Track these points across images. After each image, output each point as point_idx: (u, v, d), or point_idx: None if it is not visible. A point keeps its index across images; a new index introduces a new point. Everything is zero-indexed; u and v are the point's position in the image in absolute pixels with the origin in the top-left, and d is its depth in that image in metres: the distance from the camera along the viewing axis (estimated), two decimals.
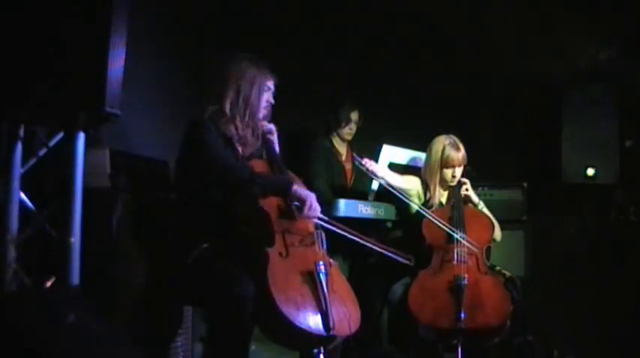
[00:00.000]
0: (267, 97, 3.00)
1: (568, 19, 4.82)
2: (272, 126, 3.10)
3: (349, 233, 2.99)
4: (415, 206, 3.66)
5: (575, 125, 4.75)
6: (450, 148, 3.73)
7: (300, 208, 2.83)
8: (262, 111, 3.00)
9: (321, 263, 2.76)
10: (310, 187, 4.25)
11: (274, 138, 3.10)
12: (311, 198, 2.84)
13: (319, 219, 2.89)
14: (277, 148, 3.12)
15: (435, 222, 3.55)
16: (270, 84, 3.00)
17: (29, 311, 2.25)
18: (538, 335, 3.97)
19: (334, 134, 4.54)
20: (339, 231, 2.97)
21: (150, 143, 3.88)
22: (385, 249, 3.04)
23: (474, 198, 3.81)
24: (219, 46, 4.43)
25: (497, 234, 3.81)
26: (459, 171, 3.76)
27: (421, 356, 3.55)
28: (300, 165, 4.40)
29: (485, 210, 3.83)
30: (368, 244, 3.03)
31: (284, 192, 2.85)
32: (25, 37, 2.52)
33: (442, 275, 3.47)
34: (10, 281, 2.76)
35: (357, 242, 3.01)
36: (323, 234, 2.97)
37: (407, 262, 3.03)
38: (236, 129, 2.92)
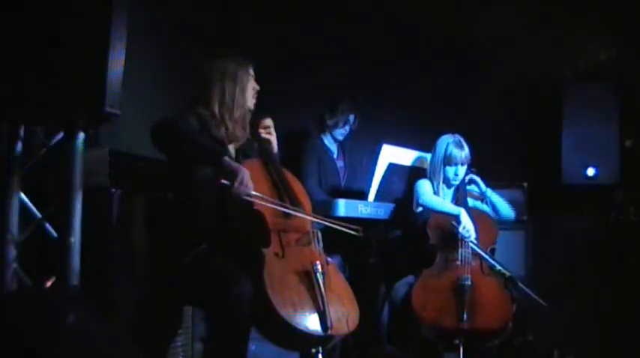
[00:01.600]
0: (252, 85, 2.99)
1: (568, 19, 4.82)
2: (269, 122, 3.08)
3: (286, 207, 2.87)
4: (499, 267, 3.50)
5: (575, 125, 4.74)
6: (454, 146, 3.74)
7: (231, 184, 2.67)
8: (251, 101, 2.99)
9: (317, 262, 2.74)
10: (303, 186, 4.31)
11: (273, 138, 3.09)
12: (243, 173, 2.68)
13: (250, 196, 2.73)
14: (275, 146, 3.09)
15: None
16: (250, 70, 2.98)
17: (29, 311, 2.25)
18: (538, 335, 3.97)
19: (327, 133, 4.57)
20: (277, 207, 2.84)
21: (150, 143, 3.87)
22: (332, 223, 2.93)
23: (481, 185, 3.80)
24: (219, 46, 4.43)
25: (510, 213, 3.85)
26: (461, 169, 3.75)
27: (421, 355, 3.55)
28: (293, 164, 4.42)
29: (494, 196, 3.82)
30: (312, 218, 2.94)
31: (214, 159, 2.71)
32: (25, 37, 2.52)
33: (446, 275, 3.47)
34: (10, 281, 2.76)
35: (307, 218, 2.92)
36: (319, 233, 2.96)
37: (355, 233, 2.92)
38: (226, 129, 2.91)
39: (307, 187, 4.22)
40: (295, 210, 2.88)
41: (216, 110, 2.90)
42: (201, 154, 2.75)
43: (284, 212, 2.85)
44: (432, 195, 3.72)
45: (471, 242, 3.51)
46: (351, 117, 4.52)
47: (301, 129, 4.81)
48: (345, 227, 2.91)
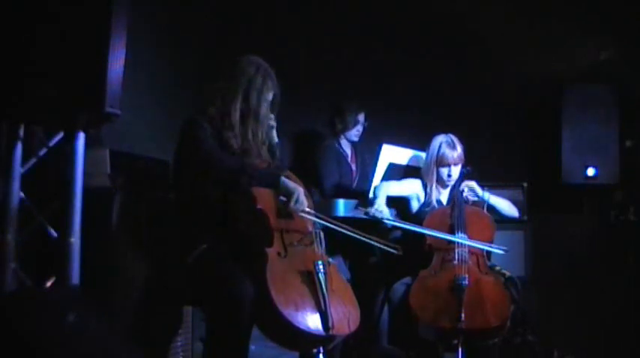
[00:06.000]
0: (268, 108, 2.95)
1: (568, 19, 4.82)
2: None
3: (338, 226, 2.97)
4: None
5: (575, 125, 4.76)
6: (446, 146, 3.73)
7: (287, 202, 2.78)
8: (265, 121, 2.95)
9: (319, 262, 2.75)
10: (321, 186, 4.34)
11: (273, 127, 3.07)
12: (299, 191, 2.78)
13: (306, 212, 2.85)
14: (275, 137, 3.05)
15: (436, 235, 3.58)
16: (270, 96, 2.94)
17: (29, 311, 2.25)
18: (538, 335, 3.97)
19: (341, 136, 4.62)
20: (330, 224, 2.95)
21: (150, 143, 3.88)
22: (375, 240, 3.01)
23: (478, 191, 3.80)
24: (220, 46, 4.44)
25: (513, 211, 3.88)
26: (454, 170, 3.75)
27: (421, 355, 3.55)
28: (309, 166, 4.44)
29: (493, 198, 3.82)
30: (358, 236, 3.00)
31: (273, 184, 2.80)
32: (25, 37, 2.53)
33: (443, 275, 3.46)
34: (10, 281, 2.76)
35: (349, 235, 2.99)
36: (322, 234, 2.96)
37: (395, 251, 3.02)
38: (242, 141, 2.86)
39: (326, 188, 4.29)
40: (351, 230, 2.98)
41: (236, 121, 2.84)
42: (261, 180, 2.79)
43: (288, 213, 2.85)
44: (390, 184, 3.84)
45: (388, 219, 3.62)
46: (361, 117, 4.59)
47: (309, 132, 4.84)
48: (385, 245, 3.05)
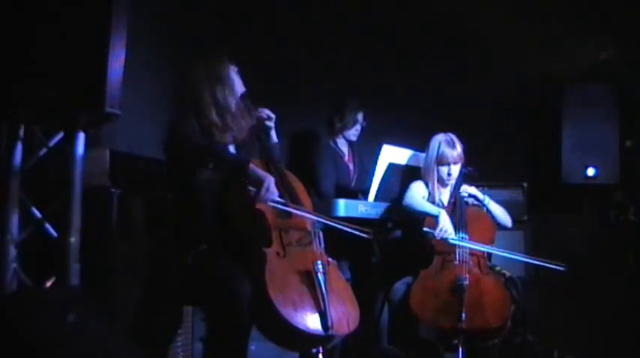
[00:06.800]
0: (238, 80, 2.98)
1: (568, 19, 4.82)
2: (269, 112, 3.07)
3: (307, 212, 2.95)
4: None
5: (575, 125, 4.76)
6: (446, 145, 3.72)
7: (257, 191, 2.74)
8: (241, 88, 2.98)
9: (319, 262, 2.75)
10: (318, 187, 4.33)
11: (272, 123, 3.08)
12: (269, 180, 2.73)
13: (276, 202, 2.80)
14: (275, 137, 3.08)
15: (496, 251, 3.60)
16: (233, 68, 2.97)
17: (29, 311, 2.25)
18: (538, 335, 3.97)
19: (339, 135, 4.59)
20: (299, 212, 2.91)
21: (150, 143, 3.88)
22: (346, 226, 2.97)
23: (479, 195, 3.81)
24: (219, 47, 4.42)
25: (507, 220, 3.83)
26: (454, 169, 3.74)
27: (421, 355, 3.56)
28: (305, 166, 4.43)
29: (492, 204, 3.81)
30: (328, 222, 2.99)
31: (241, 169, 2.75)
32: (25, 37, 2.53)
33: (444, 275, 3.46)
34: (10, 281, 2.77)
35: (324, 223, 2.99)
36: (320, 233, 2.97)
37: (367, 236, 2.98)
38: (232, 131, 2.90)
39: (323, 189, 4.28)
40: (322, 217, 2.96)
41: (215, 118, 2.87)
42: (229, 164, 2.78)
43: (287, 212, 2.86)
44: (415, 197, 3.73)
45: (452, 239, 3.54)
46: (360, 116, 4.54)
47: (310, 131, 4.83)
48: (357, 230, 2.96)
